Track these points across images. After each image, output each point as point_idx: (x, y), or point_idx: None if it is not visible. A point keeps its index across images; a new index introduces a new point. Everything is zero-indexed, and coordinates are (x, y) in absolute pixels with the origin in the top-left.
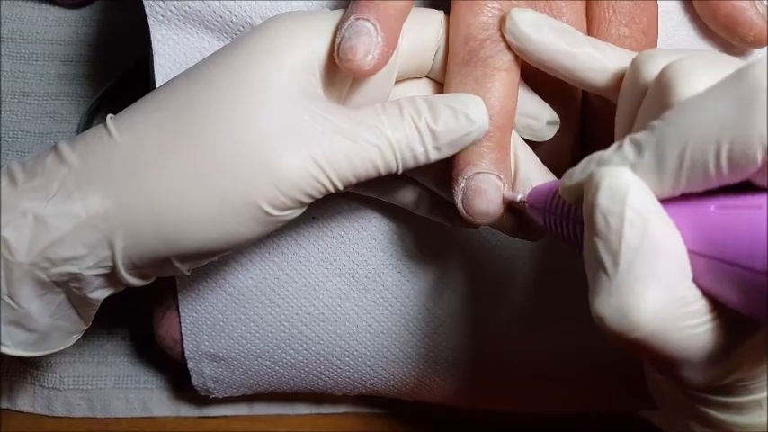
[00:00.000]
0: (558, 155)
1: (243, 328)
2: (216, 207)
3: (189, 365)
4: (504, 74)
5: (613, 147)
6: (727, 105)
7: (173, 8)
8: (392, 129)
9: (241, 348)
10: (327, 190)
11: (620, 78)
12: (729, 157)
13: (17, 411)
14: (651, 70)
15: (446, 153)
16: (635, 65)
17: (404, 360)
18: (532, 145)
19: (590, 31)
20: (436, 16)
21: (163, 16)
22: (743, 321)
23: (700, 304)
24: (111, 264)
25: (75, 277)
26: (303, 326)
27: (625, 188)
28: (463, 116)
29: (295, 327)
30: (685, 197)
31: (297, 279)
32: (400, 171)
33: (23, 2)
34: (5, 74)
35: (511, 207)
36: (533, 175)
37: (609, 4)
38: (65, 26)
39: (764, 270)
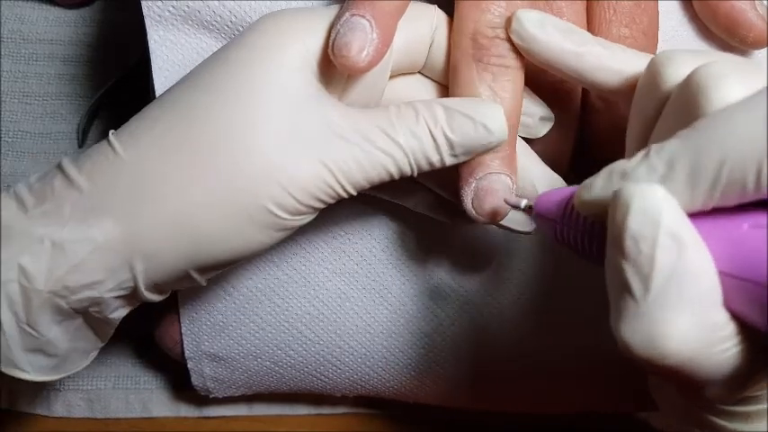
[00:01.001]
0: (557, 155)
1: (243, 328)
2: (232, 218)
3: (189, 365)
4: (516, 72)
5: (638, 157)
6: None
7: (171, 8)
8: (407, 136)
9: (241, 348)
10: (340, 195)
11: (628, 79)
12: None
13: (17, 412)
14: (672, 74)
15: (462, 159)
16: (653, 67)
17: (404, 360)
18: (531, 145)
19: (590, 31)
20: (430, 11)
21: (160, 16)
22: None
23: (730, 328)
24: (132, 285)
25: (96, 302)
26: (303, 326)
27: (658, 210)
28: (482, 127)
29: (295, 327)
30: (715, 212)
31: (296, 279)
32: (415, 175)
33: (23, 2)
34: (5, 74)
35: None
36: (531, 169)
37: (609, 4)
38: (65, 26)
39: None
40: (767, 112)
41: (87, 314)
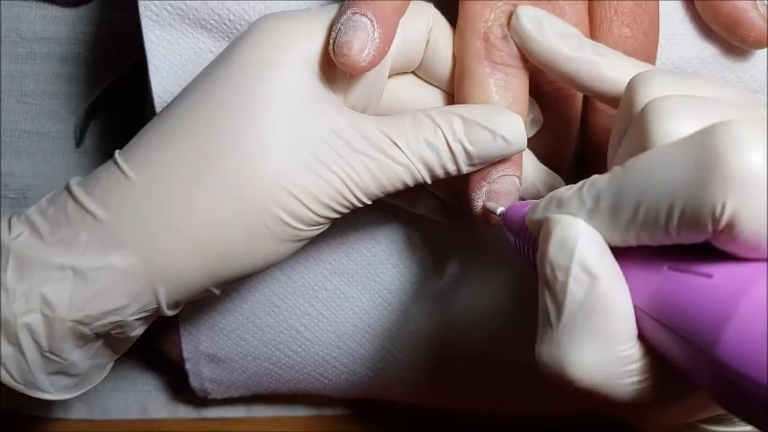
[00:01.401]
0: (558, 156)
1: (241, 328)
2: (249, 233)
3: (187, 366)
4: (525, 72)
5: (576, 187)
6: (685, 167)
7: (168, 7)
8: (423, 147)
9: (239, 349)
10: (354, 205)
11: (619, 89)
12: (680, 220)
13: (15, 413)
14: (643, 97)
15: (479, 168)
16: (629, 88)
17: (403, 361)
18: (534, 146)
19: (591, 30)
20: (426, 10)
21: (157, 16)
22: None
23: (642, 362)
24: (155, 306)
25: (119, 325)
26: (302, 326)
27: (574, 242)
28: (501, 139)
29: (294, 327)
30: (645, 250)
31: (295, 279)
32: (430, 183)
33: (21, 0)
34: (3, 73)
35: None
36: (533, 171)
37: (610, 4)
38: (63, 25)
39: (702, 346)
40: (684, 158)
41: (108, 335)
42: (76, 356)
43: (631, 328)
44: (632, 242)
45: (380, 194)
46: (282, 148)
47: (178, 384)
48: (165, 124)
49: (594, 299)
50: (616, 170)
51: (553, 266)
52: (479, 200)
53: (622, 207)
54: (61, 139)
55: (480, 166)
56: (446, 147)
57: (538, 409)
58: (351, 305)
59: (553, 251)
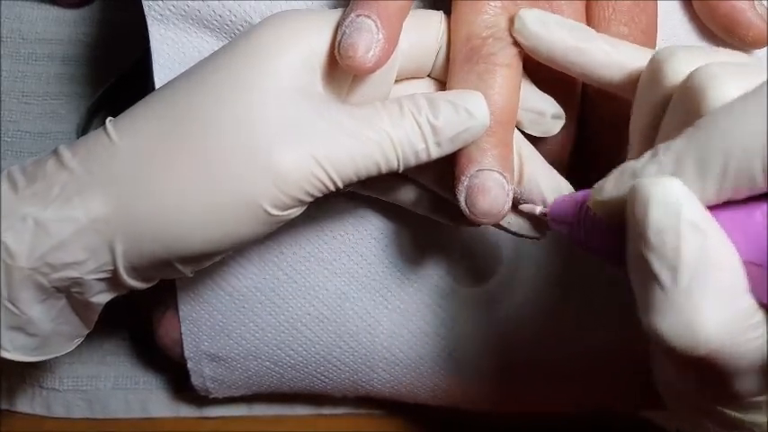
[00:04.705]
0: (558, 151)
1: (242, 328)
2: (215, 209)
3: (188, 365)
4: (506, 69)
5: (646, 157)
6: None
7: (171, 7)
8: (393, 125)
9: (241, 349)
10: (328, 188)
11: (631, 74)
12: None
13: (16, 412)
14: (674, 69)
15: (447, 149)
16: (655, 63)
17: (404, 361)
18: (533, 141)
19: None
20: (436, 17)
21: (161, 15)
22: None
23: (758, 316)
24: (112, 268)
25: (77, 282)
26: (303, 326)
27: (679, 202)
28: (464, 111)
29: (295, 327)
30: (727, 204)
31: (296, 279)
32: (401, 169)
33: (23, 1)
34: (5, 73)
35: (513, 206)
36: (539, 174)
37: (608, 3)
38: (64, 26)
39: None
40: (765, 105)
41: (71, 296)
42: (36, 313)
43: (744, 281)
44: (723, 197)
45: (355, 178)
46: (268, 134)
47: (179, 383)
48: (161, 101)
49: (708, 255)
50: (690, 131)
51: (660, 230)
52: (462, 195)
53: (710, 163)
54: (63, 140)
55: (448, 146)
56: (413, 121)
57: (537, 408)
58: (351, 305)
59: (657, 214)
